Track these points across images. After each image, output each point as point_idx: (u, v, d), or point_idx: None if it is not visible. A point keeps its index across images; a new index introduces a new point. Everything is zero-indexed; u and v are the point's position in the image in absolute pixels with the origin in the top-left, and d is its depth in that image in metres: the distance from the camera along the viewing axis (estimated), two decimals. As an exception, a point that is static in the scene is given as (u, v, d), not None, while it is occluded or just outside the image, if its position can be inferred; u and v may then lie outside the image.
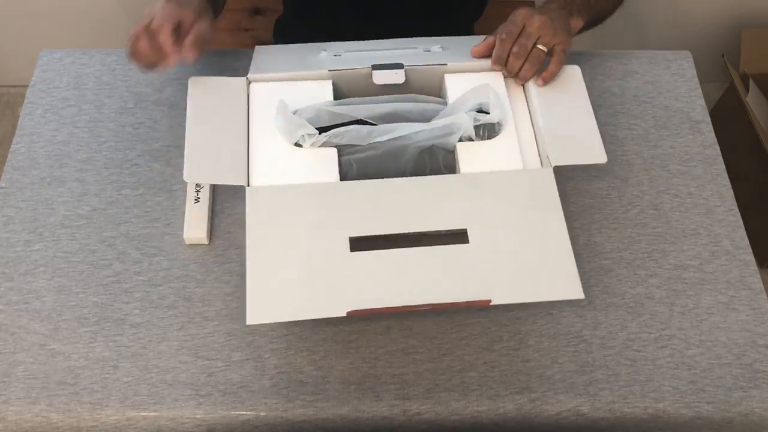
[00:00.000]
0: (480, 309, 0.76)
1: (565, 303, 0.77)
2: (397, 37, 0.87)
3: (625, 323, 0.76)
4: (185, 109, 0.87)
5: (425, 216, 0.71)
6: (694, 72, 0.95)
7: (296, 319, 0.70)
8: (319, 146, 0.74)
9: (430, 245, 0.69)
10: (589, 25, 0.88)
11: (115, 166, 0.84)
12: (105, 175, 0.83)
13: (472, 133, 0.75)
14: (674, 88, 0.93)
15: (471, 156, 0.74)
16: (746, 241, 0.82)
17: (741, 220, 0.83)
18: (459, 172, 0.74)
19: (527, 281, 0.68)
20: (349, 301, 0.66)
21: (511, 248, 0.70)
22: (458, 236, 0.70)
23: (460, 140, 0.75)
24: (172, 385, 0.71)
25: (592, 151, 0.76)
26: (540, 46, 0.79)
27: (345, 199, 0.71)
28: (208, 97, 0.77)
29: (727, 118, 1.49)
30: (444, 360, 0.73)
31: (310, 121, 0.74)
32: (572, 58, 0.94)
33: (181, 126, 0.87)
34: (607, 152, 0.87)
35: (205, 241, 0.79)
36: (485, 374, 0.73)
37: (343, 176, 0.73)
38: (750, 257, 0.81)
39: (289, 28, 1.16)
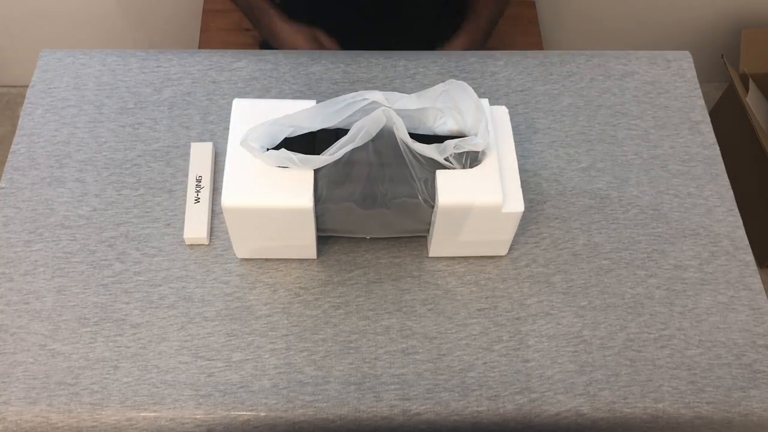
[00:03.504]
0: (479, 309, 0.76)
1: (565, 303, 0.77)
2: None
3: (624, 323, 0.76)
4: (185, 110, 0.88)
5: None
6: (694, 72, 0.94)
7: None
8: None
9: None
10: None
11: (115, 166, 0.84)
12: (105, 175, 0.83)
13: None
14: (674, 88, 0.93)
15: (451, 185, 0.71)
16: (746, 241, 0.82)
17: (741, 220, 0.83)
18: (437, 202, 0.71)
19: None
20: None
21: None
22: None
23: (442, 167, 0.71)
24: (172, 385, 0.71)
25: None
26: None
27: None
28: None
29: (727, 118, 1.49)
30: (444, 360, 0.73)
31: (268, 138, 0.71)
32: (571, 57, 0.95)
33: (182, 126, 0.87)
34: (607, 152, 0.87)
35: (205, 241, 0.79)
36: (485, 374, 0.73)
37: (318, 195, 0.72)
38: (750, 257, 0.81)
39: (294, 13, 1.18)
